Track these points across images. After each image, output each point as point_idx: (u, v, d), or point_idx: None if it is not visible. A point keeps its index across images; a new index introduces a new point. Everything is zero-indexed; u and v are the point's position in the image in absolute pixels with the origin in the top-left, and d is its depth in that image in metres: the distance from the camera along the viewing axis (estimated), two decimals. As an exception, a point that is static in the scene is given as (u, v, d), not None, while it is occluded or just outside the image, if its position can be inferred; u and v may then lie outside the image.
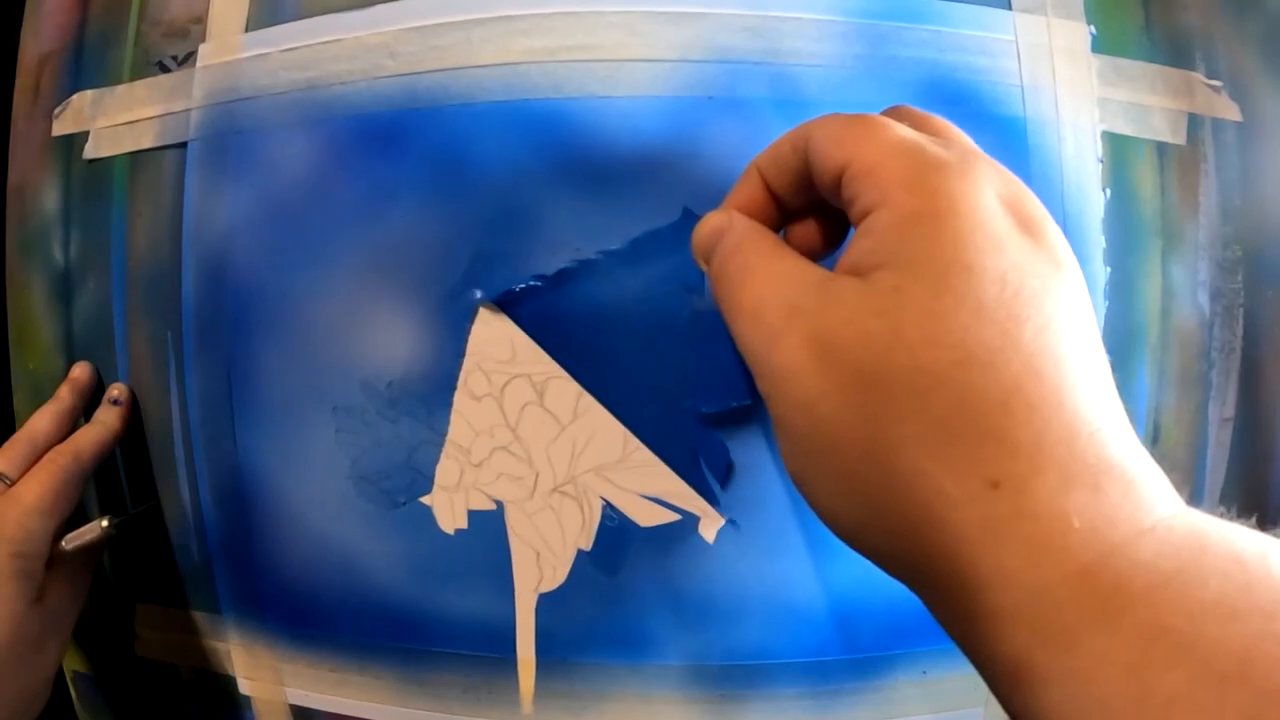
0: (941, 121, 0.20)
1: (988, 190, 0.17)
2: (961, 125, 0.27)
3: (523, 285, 0.27)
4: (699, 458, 0.27)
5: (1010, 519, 0.15)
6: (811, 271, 0.18)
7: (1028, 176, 0.27)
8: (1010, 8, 0.28)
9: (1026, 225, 0.17)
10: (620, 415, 0.28)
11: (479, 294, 0.28)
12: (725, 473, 0.27)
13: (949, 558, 0.15)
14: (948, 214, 0.16)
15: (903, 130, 0.18)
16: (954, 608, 0.16)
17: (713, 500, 0.27)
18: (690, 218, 0.26)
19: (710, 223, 0.22)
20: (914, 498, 0.16)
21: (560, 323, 0.27)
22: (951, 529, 0.15)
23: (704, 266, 0.22)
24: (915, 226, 0.16)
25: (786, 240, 0.22)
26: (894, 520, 0.16)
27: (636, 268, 0.27)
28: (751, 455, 0.27)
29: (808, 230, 0.22)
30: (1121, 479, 0.15)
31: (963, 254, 0.16)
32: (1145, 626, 0.13)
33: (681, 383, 0.27)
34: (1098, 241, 0.28)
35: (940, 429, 0.15)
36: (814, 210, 0.22)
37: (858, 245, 0.17)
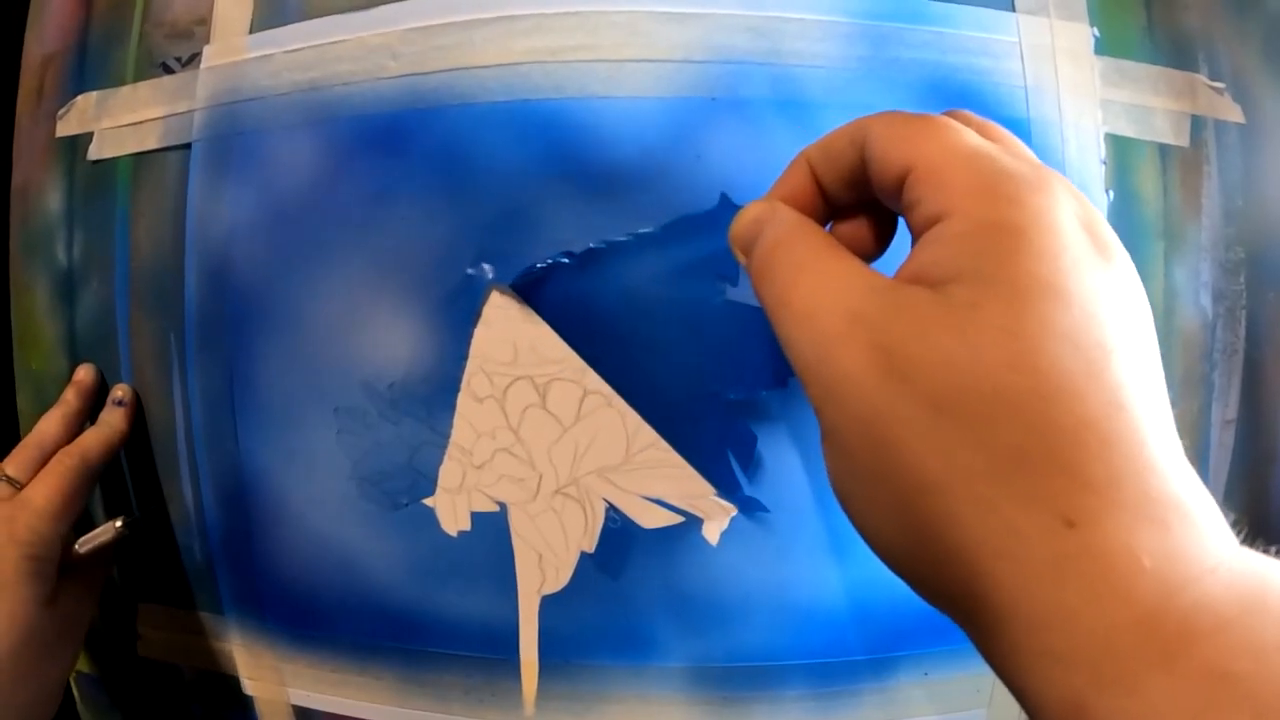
0: (1003, 130, 0.19)
1: (1066, 207, 0.16)
2: (964, 127, 0.28)
3: (549, 261, 0.26)
4: (725, 446, 0.27)
5: (1079, 557, 0.14)
6: (871, 275, 0.17)
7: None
8: (1013, 9, 0.28)
9: (1101, 248, 0.16)
10: (640, 402, 0.27)
11: (489, 271, 0.27)
12: (752, 461, 0.27)
13: (1005, 593, 0.15)
14: (1028, 229, 0.15)
15: (972, 136, 0.17)
16: (1005, 644, 0.15)
17: (735, 490, 0.27)
18: (728, 205, 0.25)
19: (752, 212, 0.21)
20: (976, 529, 0.15)
21: (582, 304, 0.27)
22: (1013, 564, 0.14)
23: (742, 259, 0.21)
24: (993, 239, 0.16)
25: None
26: (949, 550, 0.15)
27: (667, 251, 0.26)
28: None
29: (857, 230, 0.21)
30: (1187, 517, 0.14)
31: (1046, 274, 0.15)
32: (1210, 670, 0.13)
33: (708, 368, 0.27)
34: (1100, 243, 0.28)
35: (1013, 459, 0.14)
36: (863, 209, 0.21)
37: (924, 253, 0.16)
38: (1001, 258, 0.15)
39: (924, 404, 0.15)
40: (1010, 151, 0.17)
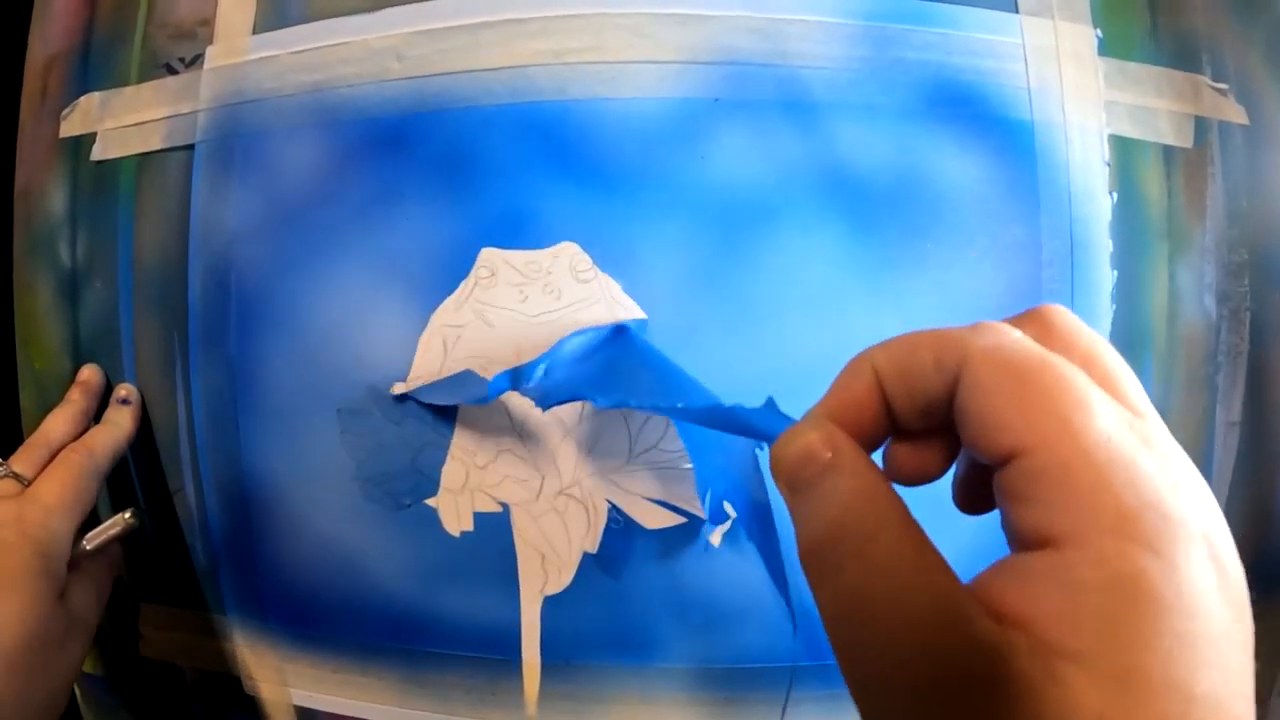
0: (1114, 360, 0.16)
1: (1202, 555, 0.14)
2: (968, 129, 0.28)
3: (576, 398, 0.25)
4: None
5: None
6: (974, 617, 0.14)
7: (1034, 181, 0.27)
8: (1017, 11, 0.28)
9: (1229, 593, 0.14)
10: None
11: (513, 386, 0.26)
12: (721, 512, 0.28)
13: None
14: (1165, 599, 0.13)
15: (1106, 417, 0.14)
16: None
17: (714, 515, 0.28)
18: (775, 415, 0.19)
19: (804, 440, 0.16)
20: None
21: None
22: None
23: (784, 493, 0.17)
24: (1125, 608, 0.13)
25: (887, 464, 0.17)
26: None
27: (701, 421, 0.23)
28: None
29: (918, 456, 0.17)
30: None
31: (1193, 678, 0.13)
32: None
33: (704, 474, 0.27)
34: (1104, 245, 0.28)
35: None
36: (930, 434, 0.17)
37: (1038, 589, 0.14)
38: (1134, 646, 0.13)
39: None
40: (1139, 429, 0.14)
